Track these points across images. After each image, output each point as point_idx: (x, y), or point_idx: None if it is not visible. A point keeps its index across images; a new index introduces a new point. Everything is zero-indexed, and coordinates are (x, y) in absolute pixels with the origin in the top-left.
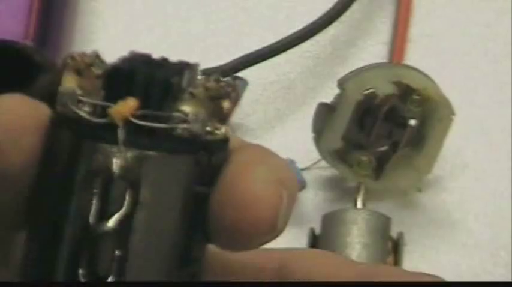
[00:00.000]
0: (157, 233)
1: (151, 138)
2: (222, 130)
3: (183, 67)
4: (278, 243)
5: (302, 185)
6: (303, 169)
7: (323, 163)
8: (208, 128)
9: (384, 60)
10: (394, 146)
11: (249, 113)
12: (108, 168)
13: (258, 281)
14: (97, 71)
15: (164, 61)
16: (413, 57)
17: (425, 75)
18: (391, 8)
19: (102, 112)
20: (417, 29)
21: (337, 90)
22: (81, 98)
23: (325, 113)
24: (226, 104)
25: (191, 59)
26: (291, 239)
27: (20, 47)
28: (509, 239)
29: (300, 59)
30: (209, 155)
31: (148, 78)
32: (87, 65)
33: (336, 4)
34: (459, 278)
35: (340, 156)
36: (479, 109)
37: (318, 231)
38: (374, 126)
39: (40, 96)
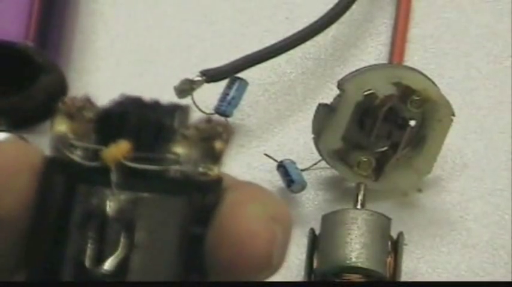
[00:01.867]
0: (154, 275)
1: (145, 180)
2: (215, 170)
3: (174, 109)
4: None
5: (302, 186)
6: (303, 170)
7: (323, 164)
8: (200, 169)
9: (384, 61)
10: (394, 147)
11: (249, 113)
12: (102, 211)
13: (259, 282)
14: (88, 114)
15: (155, 103)
16: (413, 58)
17: (425, 76)
18: (391, 9)
19: (95, 155)
20: (417, 30)
21: (337, 91)
22: (73, 142)
23: (325, 114)
24: (218, 145)
25: (191, 60)
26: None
27: (21, 47)
28: (509, 239)
29: (300, 59)
30: (203, 196)
31: (139, 121)
32: (78, 108)
33: (336, 5)
34: (459, 278)
35: (340, 156)
36: (479, 110)
37: (318, 231)
38: (374, 127)
39: (40, 97)
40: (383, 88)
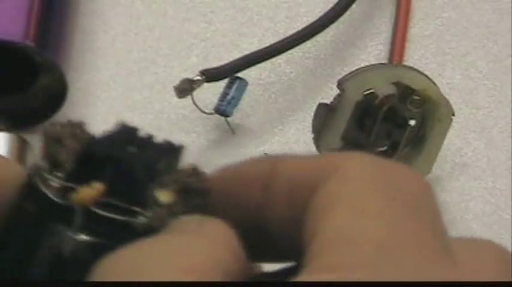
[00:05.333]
0: None
1: (108, 227)
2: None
3: (163, 152)
4: None
5: None
6: None
7: None
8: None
9: (384, 61)
10: (394, 146)
11: (249, 113)
12: (60, 249)
13: (258, 282)
14: (74, 145)
15: (146, 143)
16: (413, 57)
17: (425, 76)
18: (390, 8)
19: (68, 191)
20: (417, 29)
21: (337, 91)
22: (47, 176)
23: (325, 113)
24: (197, 200)
25: (191, 59)
26: None
27: (20, 47)
28: (509, 239)
29: (300, 59)
30: None
31: (119, 166)
32: (66, 135)
33: (336, 5)
34: None
35: None
36: (478, 109)
37: None
38: (374, 126)
39: (40, 97)
40: (383, 88)
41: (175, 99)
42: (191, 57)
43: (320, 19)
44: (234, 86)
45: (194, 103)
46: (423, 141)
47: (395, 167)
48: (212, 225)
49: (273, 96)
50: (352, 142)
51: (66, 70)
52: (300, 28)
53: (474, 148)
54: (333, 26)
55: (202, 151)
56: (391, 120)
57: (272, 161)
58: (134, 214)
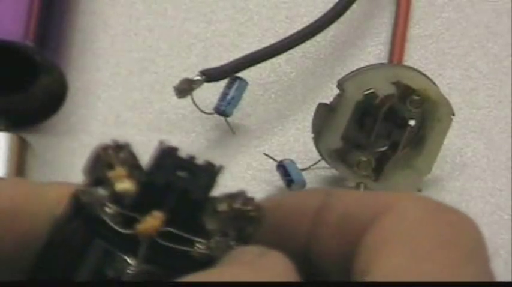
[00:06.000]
0: None
1: (167, 255)
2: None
3: (208, 175)
4: None
5: (302, 186)
6: (302, 169)
7: (323, 163)
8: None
9: (384, 61)
10: (394, 147)
11: (249, 113)
12: (120, 275)
13: (263, 282)
14: (136, 174)
15: (192, 163)
16: (412, 57)
17: (425, 76)
18: (390, 8)
19: (125, 219)
20: (417, 29)
21: (337, 91)
22: (108, 204)
23: (325, 114)
24: (249, 229)
25: (191, 59)
26: None
27: (20, 47)
28: (509, 239)
29: (300, 59)
30: None
31: (176, 194)
32: (119, 160)
33: (336, 5)
34: None
35: (339, 156)
36: (478, 109)
37: None
38: (374, 126)
39: (40, 97)
40: (383, 88)
41: (175, 99)
42: (191, 57)
43: (320, 19)
44: (234, 86)
45: (194, 103)
46: (423, 141)
47: (451, 210)
48: (273, 258)
49: (273, 96)
50: (352, 142)
51: (66, 70)
52: (300, 28)
53: (474, 148)
54: (333, 26)
55: (202, 151)
56: (391, 120)
57: (325, 193)
58: (192, 242)
